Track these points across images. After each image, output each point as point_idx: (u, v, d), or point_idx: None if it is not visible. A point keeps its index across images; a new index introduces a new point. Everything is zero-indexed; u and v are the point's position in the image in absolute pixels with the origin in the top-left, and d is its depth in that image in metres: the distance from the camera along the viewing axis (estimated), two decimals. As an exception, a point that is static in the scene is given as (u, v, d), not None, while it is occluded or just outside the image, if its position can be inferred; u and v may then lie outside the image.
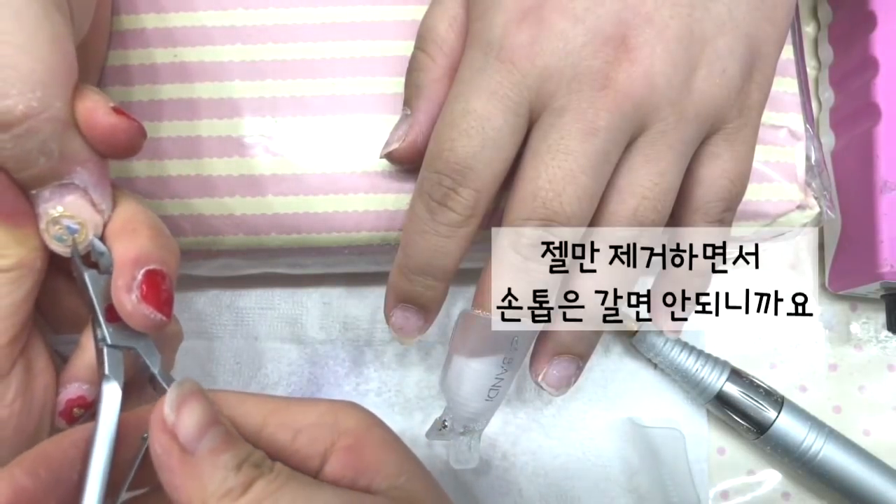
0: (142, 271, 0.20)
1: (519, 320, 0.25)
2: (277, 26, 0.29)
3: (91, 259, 0.21)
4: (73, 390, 0.21)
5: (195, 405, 0.19)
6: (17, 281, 0.20)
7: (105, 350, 0.20)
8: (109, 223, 0.21)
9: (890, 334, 0.37)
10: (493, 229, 0.25)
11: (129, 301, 0.19)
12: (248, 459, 0.18)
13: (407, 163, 0.27)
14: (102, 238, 0.21)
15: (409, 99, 0.27)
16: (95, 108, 0.20)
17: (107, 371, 0.20)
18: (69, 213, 0.20)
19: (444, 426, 0.29)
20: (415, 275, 0.25)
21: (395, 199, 0.28)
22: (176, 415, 0.18)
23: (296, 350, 0.35)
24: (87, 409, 0.22)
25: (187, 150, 0.28)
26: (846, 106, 0.36)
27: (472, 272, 0.27)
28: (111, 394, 0.20)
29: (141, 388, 0.21)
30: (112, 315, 0.20)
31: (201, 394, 0.19)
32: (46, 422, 0.21)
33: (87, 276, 0.20)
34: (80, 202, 0.20)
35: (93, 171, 0.20)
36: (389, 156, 0.27)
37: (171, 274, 0.21)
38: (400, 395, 0.35)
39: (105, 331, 0.20)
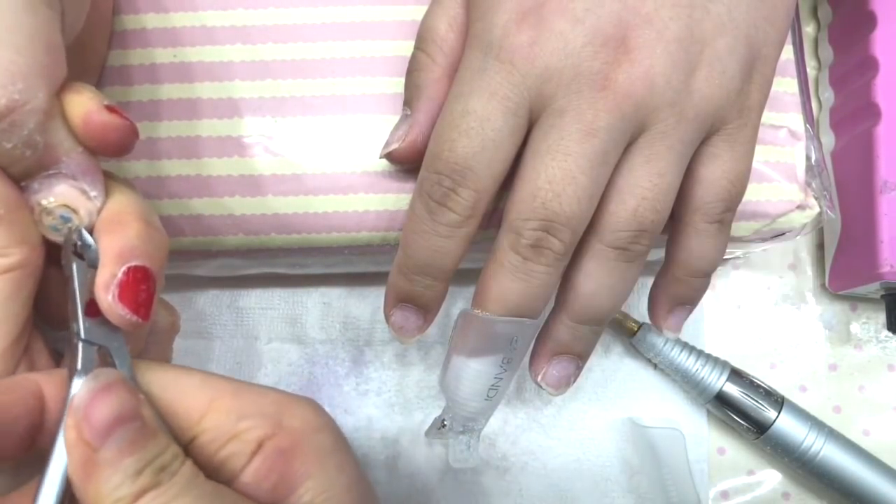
0: (123, 268, 0.19)
1: (518, 320, 0.25)
2: (278, 26, 0.29)
3: (78, 252, 0.20)
4: None
5: (107, 399, 0.18)
6: (20, 280, 0.20)
7: (79, 345, 0.20)
8: (99, 214, 0.21)
9: (890, 334, 0.37)
10: (493, 230, 0.25)
11: (106, 300, 0.19)
12: (152, 463, 0.18)
13: (407, 163, 0.27)
14: (91, 230, 0.21)
15: (409, 99, 0.27)
16: (90, 105, 0.20)
17: (79, 366, 0.19)
18: (61, 201, 0.20)
19: (444, 425, 0.29)
20: (414, 275, 0.25)
21: (395, 199, 0.28)
22: (84, 409, 0.18)
23: (296, 350, 0.35)
24: None
25: (187, 150, 0.28)
26: (846, 106, 0.36)
27: (472, 272, 0.27)
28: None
29: None
30: (92, 310, 0.20)
31: (117, 386, 0.18)
32: None
33: (75, 267, 0.20)
34: (71, 191, 0.20)
35: (80, 161, 0.20)
36: (389, 156, 0.27)
37: (155, 269, 0.20)
38: (400, 395, 0.35)
39: (81, 325, 0.20)
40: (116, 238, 0.20)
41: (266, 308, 0.36)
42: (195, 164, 0.28)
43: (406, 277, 0.26)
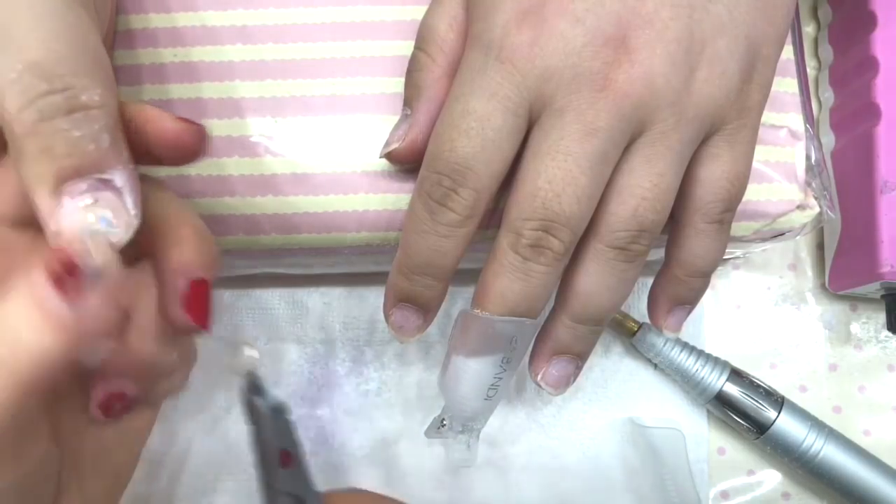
0: (186, 282, 0.20)
1: (518, 320, 0.25)
2: (277, 26, 0.29)
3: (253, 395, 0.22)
4: (114, 385, 0.21)
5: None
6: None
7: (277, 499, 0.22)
8: (155, 224, 0.21)
9: (890, 334, 0.37)
10: (493, 230, 0.25)
11: (176, 314, 0.20)
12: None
13: (407, 163, 0.27)
14: (144, 242, 0.21)
15: (409, 99, 0.27)
16: (160, 116, 0.20)
17: None
18: (106, 205, 0.20)
19: (443, 425, 0.29)
20: (414, 274, 0.25)
21: (395, 199, 0.28)
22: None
23: (296, 350, 0.35)
24: (126, 405, 0.21)
25: (187, 150, 0.28)
26: (846, 106, 0.36)
27: (472, 272, 0.27)
28: None
29: None
30: (284, 460, 0.21)
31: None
32: None
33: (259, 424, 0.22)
34: (116, 200, 0.20)
35: (130, 176, 0.20)
36: (389, 156, 0.27)
37: (212, 279, 0.21)
38: (400, 394, 0.35)
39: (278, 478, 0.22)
40: (175, 251, 0.21)
41: (266, 308, 0.36)
42: (196, 164, 0.28)
43: (406, 277, 0.26)
